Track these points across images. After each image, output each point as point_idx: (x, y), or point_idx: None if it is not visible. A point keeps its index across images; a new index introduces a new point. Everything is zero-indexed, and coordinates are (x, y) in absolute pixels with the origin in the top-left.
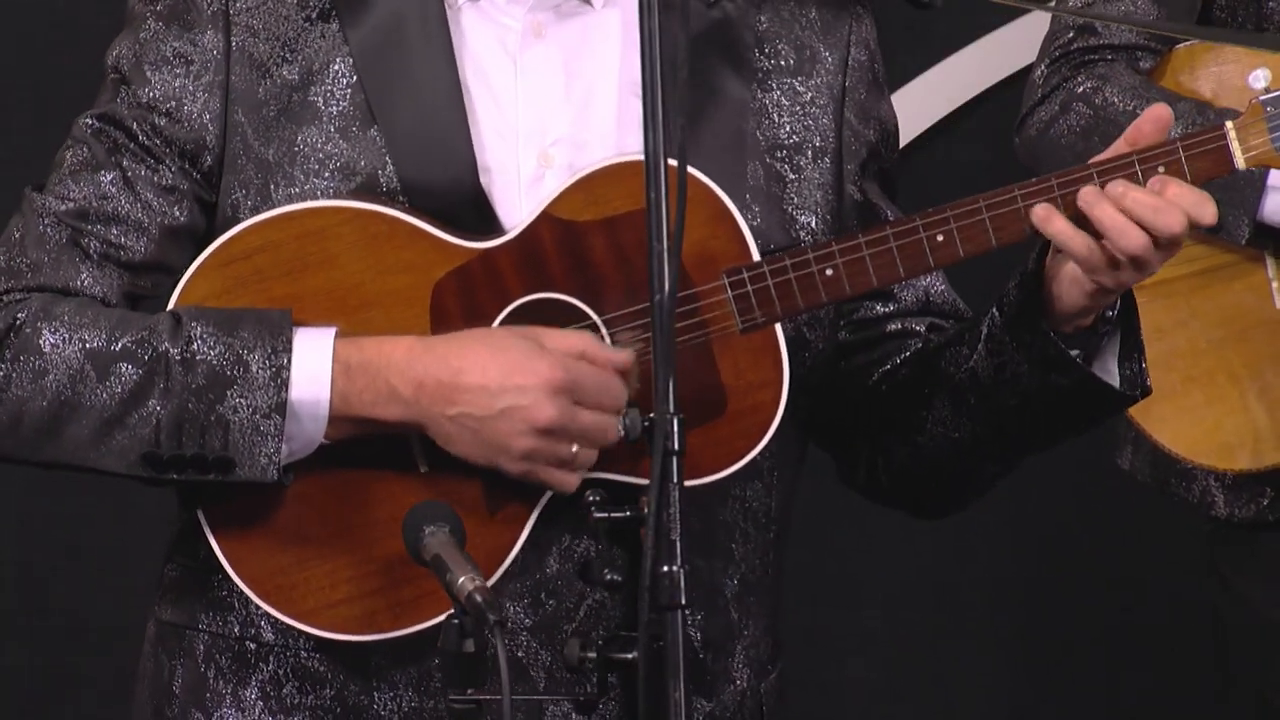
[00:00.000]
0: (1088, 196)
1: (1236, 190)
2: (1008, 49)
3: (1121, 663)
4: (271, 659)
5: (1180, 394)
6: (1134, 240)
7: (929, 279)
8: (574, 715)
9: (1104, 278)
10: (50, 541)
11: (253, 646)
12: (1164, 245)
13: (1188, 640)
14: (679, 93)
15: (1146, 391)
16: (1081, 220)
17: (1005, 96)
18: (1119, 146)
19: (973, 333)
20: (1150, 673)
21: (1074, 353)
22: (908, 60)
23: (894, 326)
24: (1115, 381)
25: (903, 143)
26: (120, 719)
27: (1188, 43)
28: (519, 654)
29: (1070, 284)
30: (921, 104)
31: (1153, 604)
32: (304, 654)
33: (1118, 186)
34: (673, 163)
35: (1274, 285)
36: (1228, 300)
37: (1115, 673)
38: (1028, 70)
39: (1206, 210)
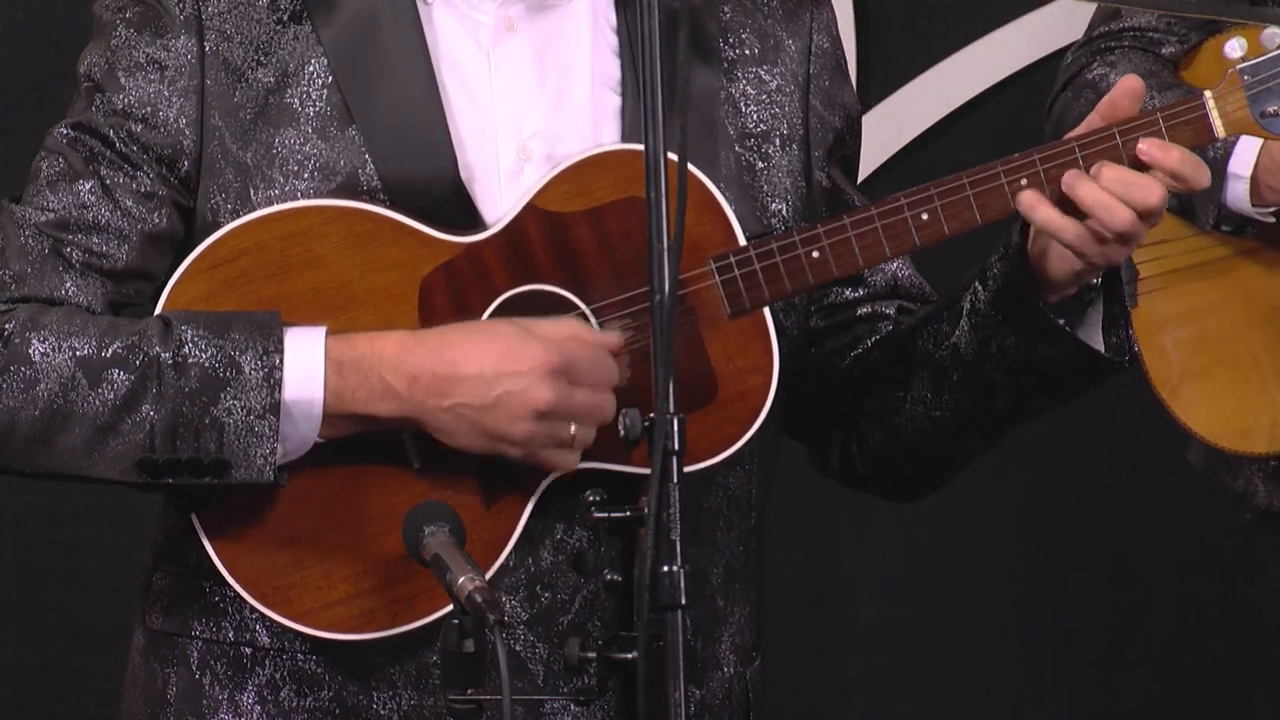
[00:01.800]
0: (1070, 180)
1: None
2: (1008, 49)
3: (1121, 661)
4: (268, 662)
5: (1207, 377)
6: (1122, 217)
7: (896, 264)
8: (572, 708)
9: (1093, 257)
10: (49, 541)
11: (248, 651)
12: (1146, 217)
13: (1188, 637)
14: (680, 93)
15: (1134, 358)
16: (1065, 200)
17: (1005, 97)
18: (1092, 120)
19: (952, 310)
20: (1151, 672)
21: (1060, 322)
22: (908, 60)
23: (864, 310)
24: (1101, 349)
25: (903, 143)
26: (118, 718)
27: (1227, 32)
28: (516, 648)
29: (1059, 260)
30: (921, 104)
31: (1153, 602)
32: (300, 656)
33: (1100, 167)
34: (673, 158)
35: None
36: (1256, 284)
37: (1115, 672)
38: (1027, 70)
39: (1202, 175)
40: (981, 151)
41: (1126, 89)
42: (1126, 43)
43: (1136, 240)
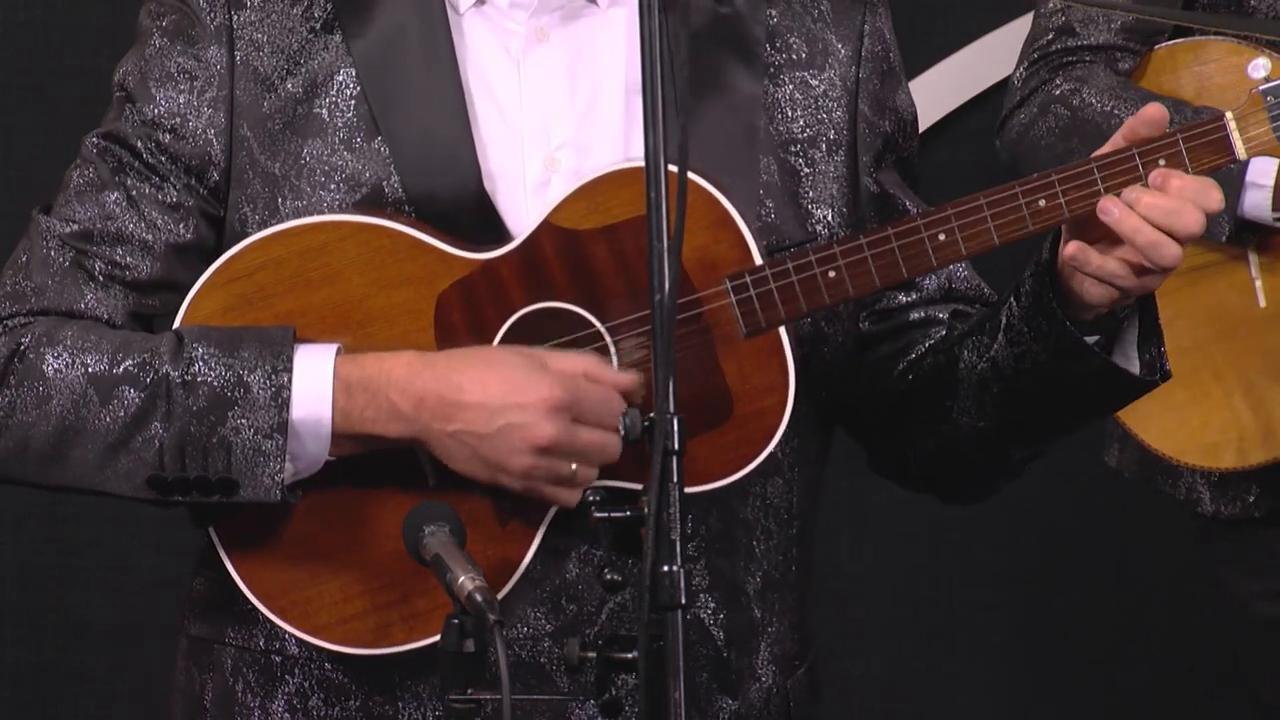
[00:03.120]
0: (1110, 208)
1: None
2: (1008, 49)
3: (1121, 661)
4: (297, 671)
5: (1166, 393)
6: (1169, 252)
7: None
8: (600, 718)
9: (1136, 289)
10: (49, 541)
11: (278, 660)
12: (1184, 243)
13: (1187, 637)
14: (679, 93)
15: (1166, 376)
16: (1084, 226)
17: (1005, 97)
18: (1116, 142)
19: (993, 321)
20: (1150, 670)
21: (1093, 338)
22: (908, 60)
23: (917, 315)
24: (1135, 366)
25: None
26: (118, 718)
27: (1168, 43)
28: (541, 660)
29: (1095, 286)
30: (921, 104)
31: (1153, 602)
32: (328, 666)
33: (1131, 192)
34: (673, 168)
35: (1257, 284)
36: (1212, 299)
37: (1115, 672)
38: None
39: (1213, 196)
40: (981, 151)
41: (1148, 120)
42: (1088, 58)
43: (1176, 266)
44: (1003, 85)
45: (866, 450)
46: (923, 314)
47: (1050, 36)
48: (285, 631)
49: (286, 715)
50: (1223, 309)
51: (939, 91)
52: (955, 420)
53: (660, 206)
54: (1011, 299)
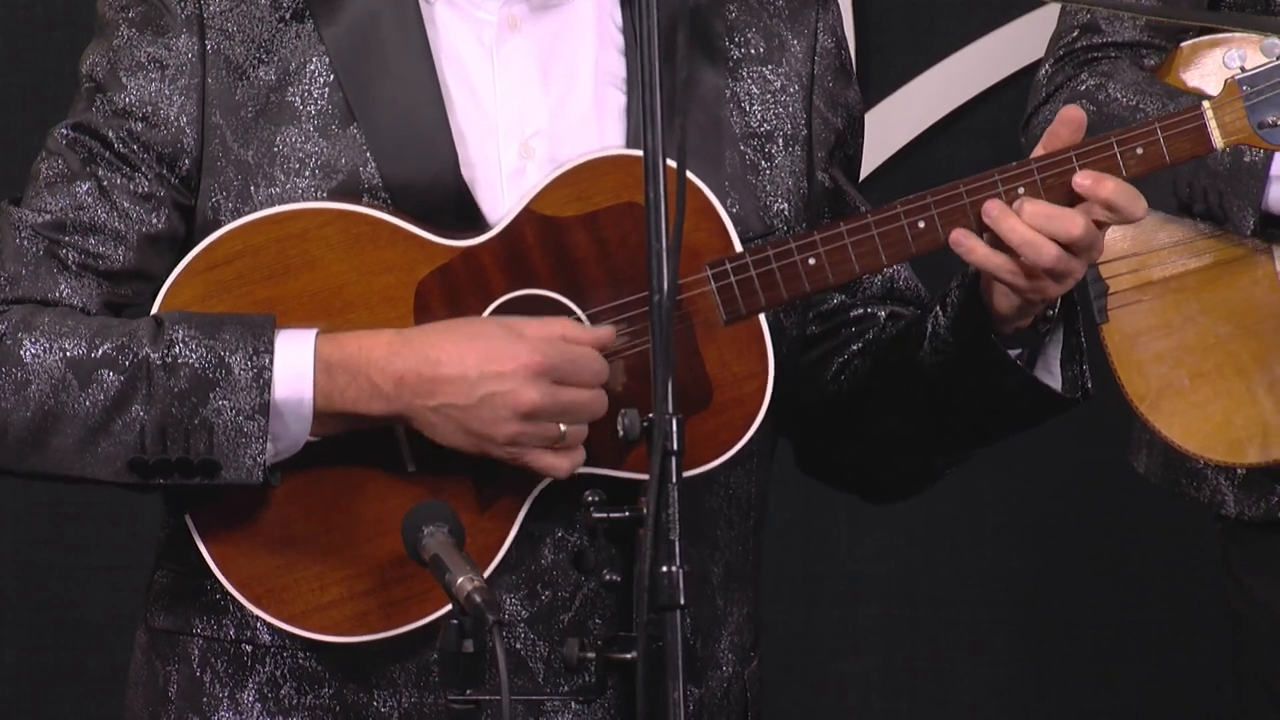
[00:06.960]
0: (991, 211)
1: (1240, 182)
2: (1008, 49)
3: (1121, 660)
4: (268, 660)
5: (1189, 390)
6: (1047, 252)
7: (896, 265)
8: (572, 705)
9: (1029, 292)
10: (49, 539)
11: (249, 649)
12: (1080, 251)
13: (1187, 637)
14: (677, 93)
15: (1087, 394)
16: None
17: (1005, 96)
18: (1037, 152)
19: (919, 328)
20: (1150, 671)
21: (1017, 352)
22: (908, 60)
23: (856, 313)
24: (1058, 382)
25: (902, 143)
26: (119, 717)
27: (1191, 40)
28: (516, 646)
29: (1001, 294)
30: (921, 104)
31: (1153, 601)
32: (301, 654)
33: (1022, 203)
34: (671, 163)
35: None
36: (1236, 294)
37: (1115, 670)
38: (1028, 70)
39: (1138, 207)
40: (981, 151)
41: (1066, 119)
42: (1113, 54)
43: (1071, 275)
44: (1003, 85)
45: (795, 448)
46: (862, 311)
47: (1075, 34)
48: (260, 620)
49: (257, 705)
50: (1247, 304)
51: (939, 91)
52: (881, 423)
53: (659, 205)
54: (938, 308)
